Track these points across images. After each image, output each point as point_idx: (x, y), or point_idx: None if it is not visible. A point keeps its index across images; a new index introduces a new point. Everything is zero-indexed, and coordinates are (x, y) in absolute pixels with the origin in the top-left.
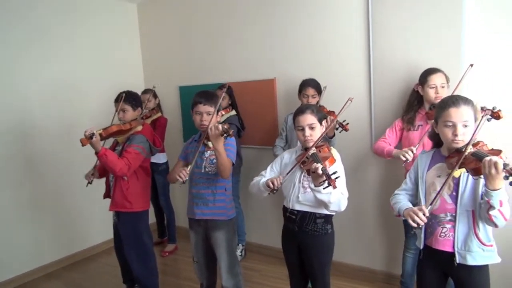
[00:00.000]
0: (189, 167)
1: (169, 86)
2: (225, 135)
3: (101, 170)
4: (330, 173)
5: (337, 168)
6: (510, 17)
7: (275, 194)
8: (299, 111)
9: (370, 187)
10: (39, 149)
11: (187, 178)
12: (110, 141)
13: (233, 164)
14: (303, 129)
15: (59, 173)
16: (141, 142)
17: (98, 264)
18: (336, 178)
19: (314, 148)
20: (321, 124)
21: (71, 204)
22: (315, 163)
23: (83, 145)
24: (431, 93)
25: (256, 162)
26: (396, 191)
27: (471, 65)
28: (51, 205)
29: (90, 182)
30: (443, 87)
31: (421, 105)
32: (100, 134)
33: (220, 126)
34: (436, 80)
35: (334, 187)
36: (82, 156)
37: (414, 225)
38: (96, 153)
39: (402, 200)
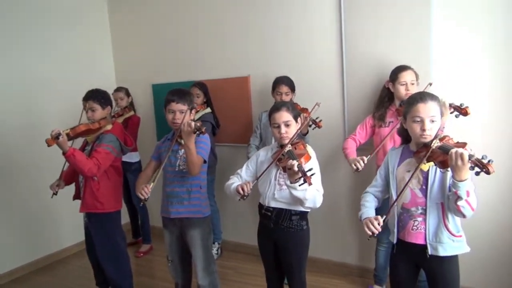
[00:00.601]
0: (151, 184)
1: (142, 84)
2: (197, 132)
3: (67, 178)
4: (305, 170)
5: (312, 165)
6: (476, 16)
7: (245, 200)
8: (275, 108)
9: (344, 183)
10: (3, 150)
11: (148, 197)
12: (79, 142)
13: (205, 161)
14: (278, 126)
15: (26, 175)
16: (111, 142)
17: (69, 267)
18: (312, 175)
19: (289, 145)
20: (296, 121)
21: (39, 206)
22: (291, 160)
23: (49, 146)
24: (402, 90)
25: (231, 159)
26: (367, 189)
27: (430, 84)
28: (18, 207)
29: (55, 193)
30: (413, 84)
31: (391, 102)
32: (68, 134)
33: (192, 124)
34: (406, 77)
35: (310, 183)
36: (49, 157)
37: (369, 233)
38: (64, 153)
39: (367, 205)
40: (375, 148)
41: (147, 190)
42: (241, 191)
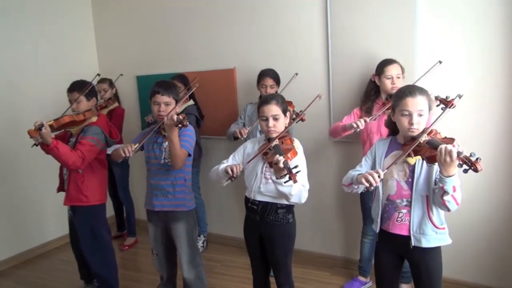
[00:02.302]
0: (137, 145)
1: (126, 75)
2: (179, 125)
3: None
4: (291, 167)
5: (299, 160)
6: (460, 9)
7: (233, 182)
8: (264, 101)
9: (329, 176)
10: None
11: (130, 155)
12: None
13: (189, 154)
14: (267, 119)
15: (7, 167)
16: (96, 134)
17: (53, 261)
18: (297, 172)
19: (277, 140)
20: (285, 115)
21: (21, 199)
22: (277, 156)
23: (31, 137)
24: (388, 83)
25: (216, 152)
26: (350, 171)
27: (440, 62)
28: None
29: (36, 145)
30: (398, 77)
31: (378, 95)
32: (51, 125)
33: (175, 117)
34: (392, 71)
35: (295, 181)
36: (31, 150)
37: (367, 184)
38: (47, 145)
39: (356, 172)
40: (362, 141)
41: (131, 148)
42: (230, 171)
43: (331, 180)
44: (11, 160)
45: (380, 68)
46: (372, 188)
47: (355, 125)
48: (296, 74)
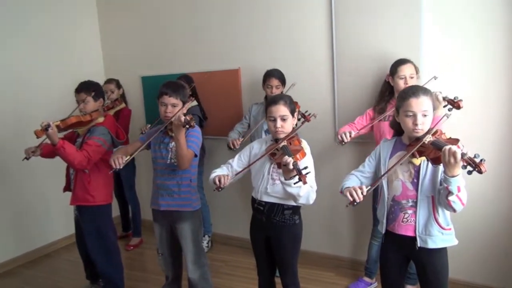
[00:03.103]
0: (128, 157)
1: (131, 76)
2: (186, 126)
3: (46, 151)
4: (301, 168)
5: (307, 161)
6: (468, 8)
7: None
8: (272, 101)
9: (335, 176)
10: None
11: (120, 167)
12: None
13: (196, 155)
14: (274, 120)
15: (14, 167)
16: (102, 134)
17: (59, 261)
18: (307, 173)
19: (285, 141)
20: (293, 116)
21: (28, 199)
22: (286, 157)
23: (38, 137)
24: (401, 83)
25: (220, 152)
26: (352, 172)
27: (435, 78)
28: (6, 201)
29: (27, 158)
30: (412, 77)
31: (392, 96)
32: (58, 126)
33: (182, 117)
34: (405, 70)
35: (305, 182)
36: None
37: (351, 199)
38: (53, 145)
39: (350, 180)
40: (376, 141)
41: (121, 160)
42: (217, 182)
43: (338, 180)
44: (18, 160)
45: (394, 68)
46: (355, 204)
47: (340, 138)
48: (293, 84)
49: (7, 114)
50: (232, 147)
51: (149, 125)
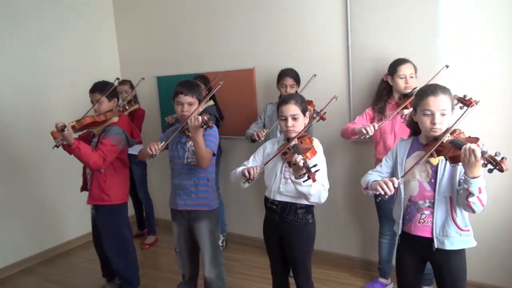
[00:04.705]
0: (163, 143)
1: (147, 76)
2: (204, 126)
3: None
4: (310, 165)
5: (318, 160)
6: (486, 9)
7: (254, 181)
8: (283, 101)
9: (346, 175)
10: (8, 142)
11: (157, 153)
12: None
13: (214, 154)
14: (285, 119)
15: (31, 166)
16: (117, 134)
17: (76, 259)
18: (316, 171)
19: (296, 140)
20: (304, 115)
21: (45, 198)
22: (296, 155)
23: (54, 138)
24: (401, 83)
25: (236, 152)
26: (369, 171)
27: (447, 66)
28: (24, 199)
29: (57, 146)
30: (412, 77)
31: (390, 95)
32: (73, 126)
33: (200, 118)
34: (405, 70)
35: (314, 180)
36: (54, 149)
37: (382, 192)
38: (69, 145)
39: (374, 176)
40: (375, 141)
41: (157, 146)
42: (247, 174)
43: (349, 180)
44: (35, 160)
45: (393, 67)
46: (387, 197)
47: (364, 131)
48: (315, 75)
49: (23, 115)
50: (257, 138)
51: (175, 115)
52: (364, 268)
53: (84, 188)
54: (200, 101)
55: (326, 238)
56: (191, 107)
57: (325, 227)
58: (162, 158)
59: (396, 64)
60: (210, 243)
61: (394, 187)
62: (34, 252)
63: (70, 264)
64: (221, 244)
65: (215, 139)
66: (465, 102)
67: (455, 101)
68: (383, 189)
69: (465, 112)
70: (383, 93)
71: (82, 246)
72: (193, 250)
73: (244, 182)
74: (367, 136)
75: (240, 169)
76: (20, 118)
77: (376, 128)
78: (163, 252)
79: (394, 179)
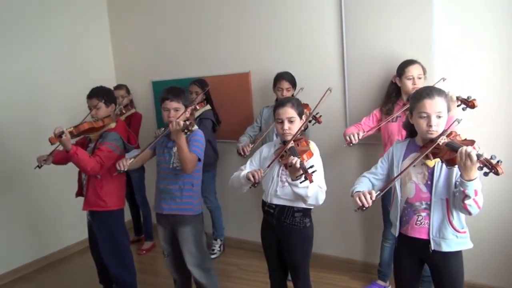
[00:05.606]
0: (131, 160)
1: (142, 81)
2: (185, 131)
3: (58, 157)
4: (306, 167)
5: (314, 161)
6: (479, 8)
7: (256, 187)
8: (280, 104)
9: (346, 178)
10: (6, 148)
11: (125, 169)
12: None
13: (199, 159)
14: (282, 122)
15: (28, 173)
16: (114, 140)
17: (72, 265)
18: (313, 172)
19: (292, 142)
20: (300, 118)
21: (41, 205)
22: (292, 157)
23: (52, 144)
24: (409, 84)
25: (232, 156)
26: (364, 173)
27: (443, 79)
28: (20, 206)
29: (39, 166)
30: (420, 78)
31: (399, 97)
32: (71, 132)
33: (181, 122)
34: (413, 71)
35: (311, 181)
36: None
37: (360, 204)
38: (67, 151)
39: (361, 183)
40: (383, 143)
41: (125, 163)
42: (251, 178)
43: (349, 182)
44: (32, 166)
45: (401, 69)
46: (364, 209)
47: (348, 139)
48: (301, 88)
49: (20, 121)
50: (242, 153)
51: (162, 129)
52: (364, 271)
53: (79, 193)
54: (186, 107)
55: (327, 242)
56: (177, 113)
57: (326, 230)
58: None
59: (404, 65)
60: (196, 248)
61: (372, 200)
62: (30, 260)
63: (67, 271)
64: (219, 249)
65: (200, 144)
66: (469, 103)
67: (458, 102)
68: (361, 201)
69: (455, 120)
70: (392, 95)
71: (79, 252)
72: (180, 254)
73: (249, 187)
74: (351, 144)
75: (243, 173)
76: (15, 125)
77: (361, 136)
78: (160, 258)
79: (373, 191)
